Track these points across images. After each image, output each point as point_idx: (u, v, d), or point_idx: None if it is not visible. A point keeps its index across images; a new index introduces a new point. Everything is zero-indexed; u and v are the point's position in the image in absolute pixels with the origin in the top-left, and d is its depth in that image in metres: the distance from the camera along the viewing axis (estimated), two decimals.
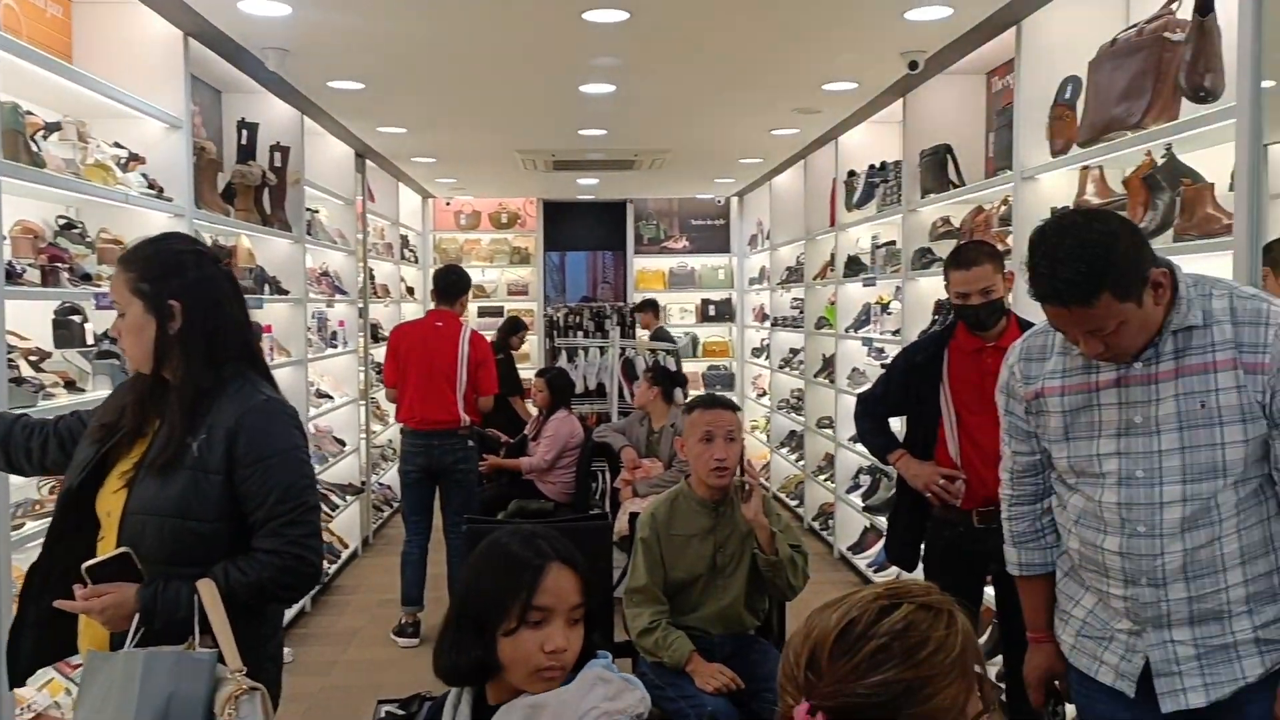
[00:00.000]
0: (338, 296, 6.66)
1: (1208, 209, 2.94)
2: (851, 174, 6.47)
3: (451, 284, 5.34)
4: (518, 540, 1.63)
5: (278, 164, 5.44)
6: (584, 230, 10.92)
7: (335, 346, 6.57)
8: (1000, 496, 2.17)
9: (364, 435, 7.07)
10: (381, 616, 5.40)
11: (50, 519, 1.98)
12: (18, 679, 1.95)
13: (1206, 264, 2.57)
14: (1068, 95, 3.74)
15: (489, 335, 6.68)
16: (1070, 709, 2.16)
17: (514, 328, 7.72)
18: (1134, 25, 3.32)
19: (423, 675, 1.65)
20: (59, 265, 3.15)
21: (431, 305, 5.45)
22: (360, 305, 7.21)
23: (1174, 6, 3.13)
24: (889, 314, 5.94)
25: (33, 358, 3.09)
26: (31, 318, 3.25)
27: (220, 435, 1.90)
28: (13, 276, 2.84)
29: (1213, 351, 1.80)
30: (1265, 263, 2.56)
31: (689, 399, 4.06)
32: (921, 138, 5.26)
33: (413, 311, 9.15)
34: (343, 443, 6.55)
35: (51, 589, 1.85)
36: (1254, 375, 1.78)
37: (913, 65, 4.69)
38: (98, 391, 3.17)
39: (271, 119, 5.51)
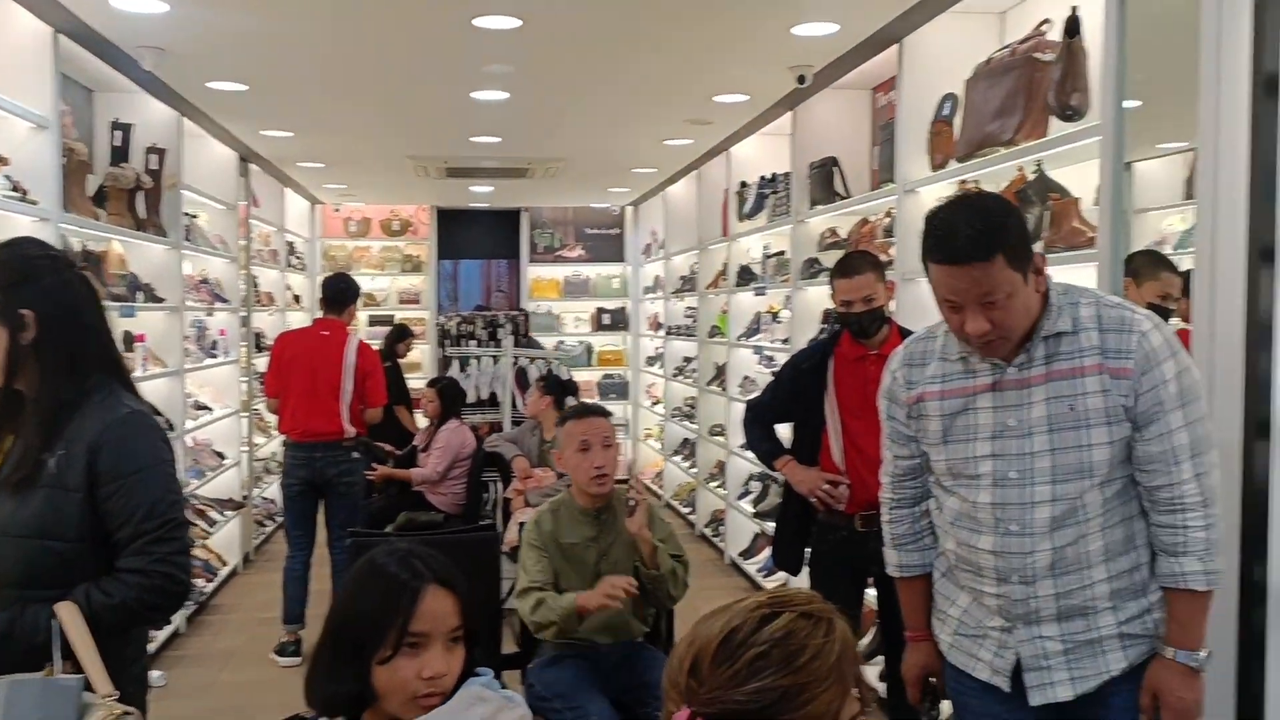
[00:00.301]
0: (218, 304, 6.44)
1: (1074, 222, 3.07)
2: (743, 185, 6.57)
3: (339, 292, 5.21)
4: (395, 560, 1.57)
5: (154, 166, 5.23)
6: (478, 238, 10.81)
7: (215, 356, 6.34)
8: (880, 500, 2.22)
9: (246, 448, 6.85)
10: (261, 636, 5.22)
11: None
12: None
13: (1073, 275, 2.67)
14: (946, 112, 3.87)
15: (377, 345, 6.56)
16: (946, 706, 2.22)
17: (400, 335, 7.59)
18: (1007, 46, 3.46)
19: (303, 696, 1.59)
20: None
21: (319, 314, 5.31)
22: (243, 314, 6.99)
23: (1044, 28, 3.27)
24: (779, 322, 6.05)
25: None
26: None
27: (81, 450, 1.81)
28: None
29: (1080, 357, 1.88)
30: (1126, 273, 2.69)
31: (562, 412, 4.05)
32: (810, 150, 5.37)
33: (299, 320, 8.91)
34: (223, 456, 6.32)
35: None
36: (1119, 380, 1.85)
37: (800, 79, 4.79)
38: None
39: (148, 120, 5.30)
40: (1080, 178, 3.18)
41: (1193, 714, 1.90)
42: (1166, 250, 2.96)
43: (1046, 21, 3.27)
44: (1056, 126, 3.16)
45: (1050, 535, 1.89)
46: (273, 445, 7.72)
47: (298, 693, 1.60)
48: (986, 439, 1.94)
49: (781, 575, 5.28)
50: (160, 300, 5.26)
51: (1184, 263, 2.73)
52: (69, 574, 1.79)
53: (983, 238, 1.79)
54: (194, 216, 6.14)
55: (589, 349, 10.51)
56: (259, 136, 6.51)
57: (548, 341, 9.60)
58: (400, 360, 7.42)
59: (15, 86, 3.84)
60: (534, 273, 10.66)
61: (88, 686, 1.63)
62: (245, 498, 6.70)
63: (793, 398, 3.40)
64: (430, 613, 1.52)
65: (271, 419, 7.00)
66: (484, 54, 4.59)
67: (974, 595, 2.03)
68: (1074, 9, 3.01)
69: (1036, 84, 3.24)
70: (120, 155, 5.07)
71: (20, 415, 1.84)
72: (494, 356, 6.64)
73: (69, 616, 1.69)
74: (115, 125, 5.08)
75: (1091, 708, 1.95)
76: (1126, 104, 2.67)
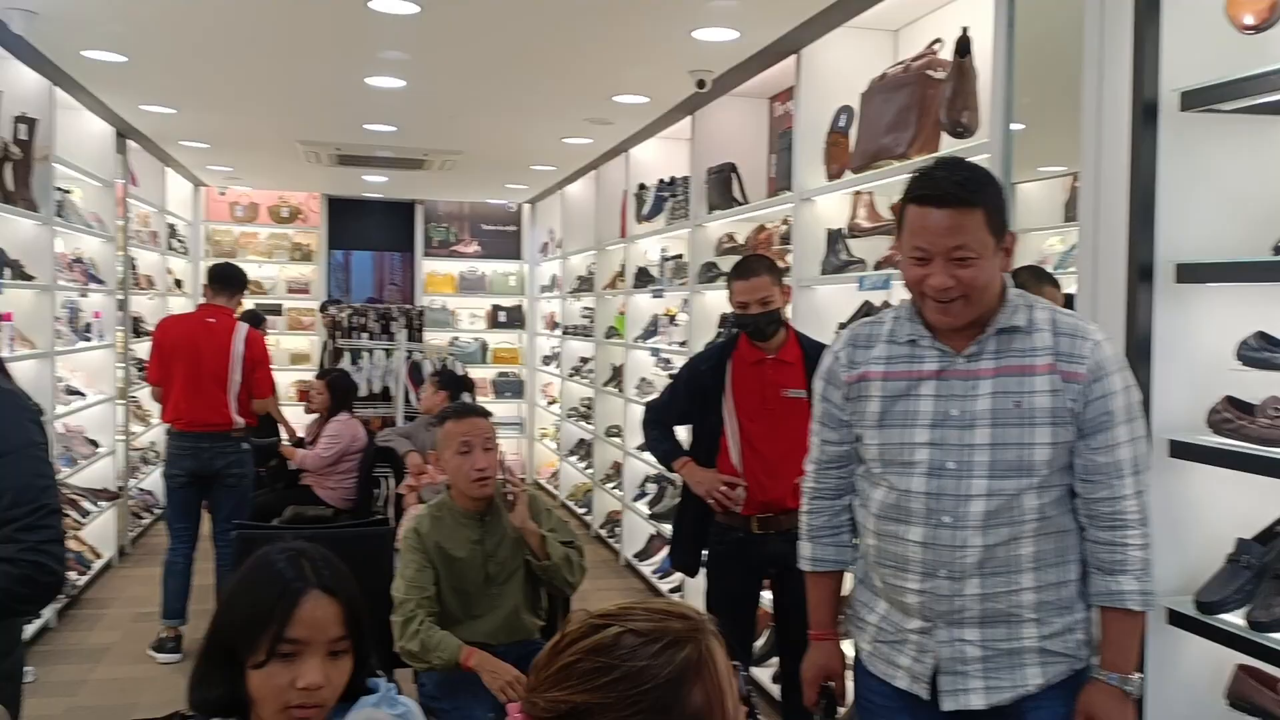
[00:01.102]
0: (93, 285, 6.14)
1: None
2: (642, 187, 6.60)
3: (227, 278, 5.04)
4: (284, 559, 1.52)
5: (23, 137, 4.95)
6: (371, 229, 10.57)
7: (89, 340, 6.05)
8: (801, 490, 2.18)
9: (122, 437, 6.55)
10: (137, 631, 5.01)
11: None
12: None
13: None
14: (842, 123, 3.96)
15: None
16: (842, 711, 2.21)
17: (254, 321, 7.29)
18: (901, 61, 3.56)
19: (183, 694, 1.53)
20: None
21: (203, 299, 5.12)
22: (120, 296, 6.68)
23: (936, 46, 3.38)
24: (676, 325, 6.10)
25: None
26: None
27: None
28: None
29: (1033, 355, 1.88)
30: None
31: (440, 410, 4.00)
32: (709, 155, 5.44)
33: (181, 306, 8.57)
34: (96, 444, 6.04)
35: None
36: (1070, 383, 1.86)
37: (700, 84, 4.84)
38: None
39: (17, 87, 5.02)
40: None
41: None
42: (1048, 269, 3.10)
43: (938, 41, 3.38)
44: (948, 142, 3.27)
45: (983, 531, 1.86)
46: (151, 434, 7.41)
47: (177, 690, 1.54)
48: (926, 426, 1.90)
49: (678, 576, 5.33)
50: (30, 278, 4.99)
51: (1065, 282, 2.86)
52: None
53: (969, 184, 1.82)
54: (67, 192, 5.84)
55: (484, 346, 10.40)
56: (138, 111, 6.23)
57: (442, 337, 9.47)
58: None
59: None
60: (428, 266, 10.49)
61: None
62: (121, 488, 6.42)
63: (690, 399, 3.44)
64: (309, 619, 1.46)
65: (152, 407, 6.72)
66: (380, 39, 4.49)
67: (893, 598, 1.99)
68: (965, 30, 3.13)
69: (929, 100, 3.34)
70: None
71: None
72: (386, 350, 6.51)
73: None
74: None
75: None
76: (1014, 126, 2.78)
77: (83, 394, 5.92)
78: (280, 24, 4.33)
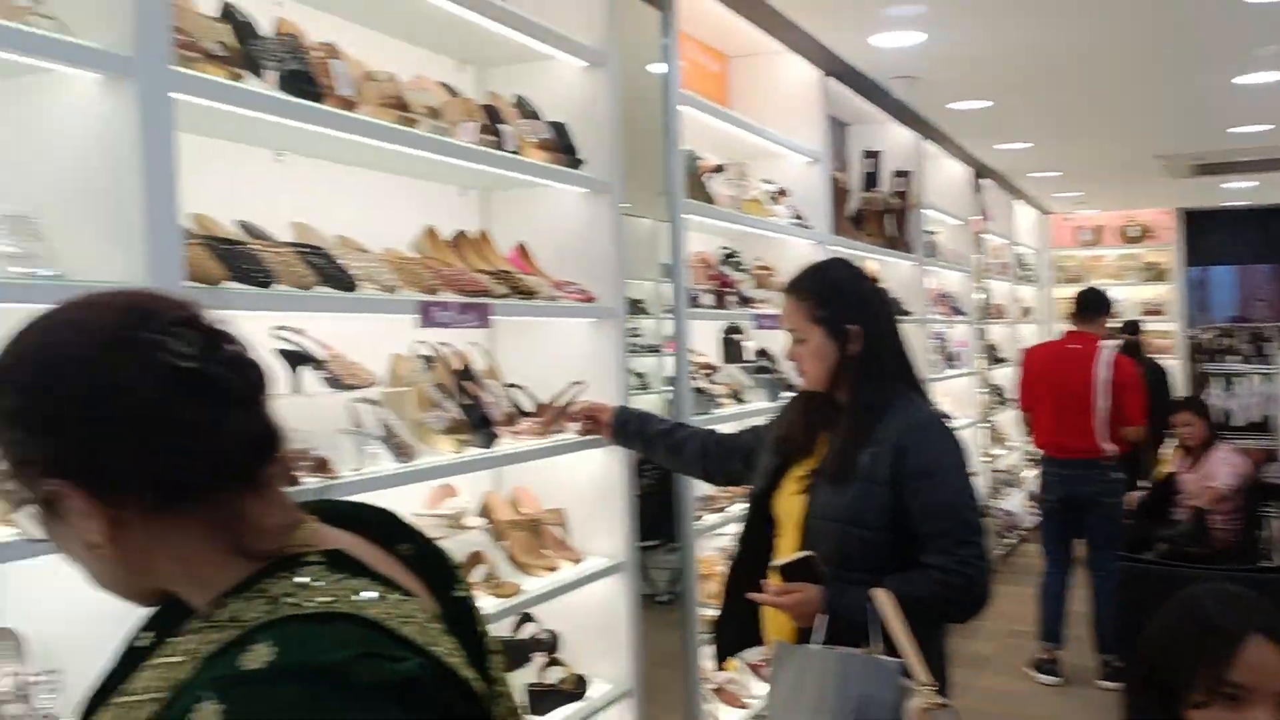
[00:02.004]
0: (956, 317, 6.60)
1: None
2: None
3: (1091, 303, 5.00)
4: (1214, 599, 1.44)
5: (900, 189, 5.56)
6: (1233, 241, 9.54)
7: (955, 367, 6.51)
8: None
9: (985, 459, 6.90)
10: (1013, 646, 5.17)
11: (744, 519, 2.18)
12: (721, 659, 2.17)
13: None
14: None
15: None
16: None
17: (1131, 331, 6.82)
18: None
19: (1065, 716, 1.50)
20: (726, 290, 3.52)
21: (1064, 326, 5.14)
22: (978, 326, 7.07)
23: None
24: None
25: (705, 371, 3.48)
26: (704, 336, 3.67)
27: (887, 449, 1.95)
28: (692, 301, 3.23)
29: None
30: None
31: None
32: None
33: (1030, 333, 8.76)
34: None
35: (747, 582, 2.03)
36: None
37: None
38: (757, 403, 3.48)
39: (892, 146, 5.65)
40: None
41: None
42: None
43: None
44: None
45: None
46: (1011, 457, 7.69)
47: (1056, 710, 1.51)
48: None
49: None
50: (907, 313, 5.56)
51: None
52: (869, 559, 1.93)
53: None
54: (933, 233, 6.39)
55: None
56: (992, 151, 6.55)
57: None
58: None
59: (791, 127, 4.36)
60: None
61: (904, 672, 1.72)
62: (985, 508, 6.76)
63: None
64: (1254, 664, 1.36)
65: (1011, 431, 6.97)
66: (1252, 34, 4.00)
67: None
68: None
69: None
70: (871, 181, 5.47)
71: (836, 419, 2.04)
72: (1265, 374, 5.76)
73: (886, 602, 1.80)
74: (866, 154, 5.50)
75: None
76: None
77: (951, 418, 6.37)
78: (1144, 40, 4.16)
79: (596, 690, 2.60)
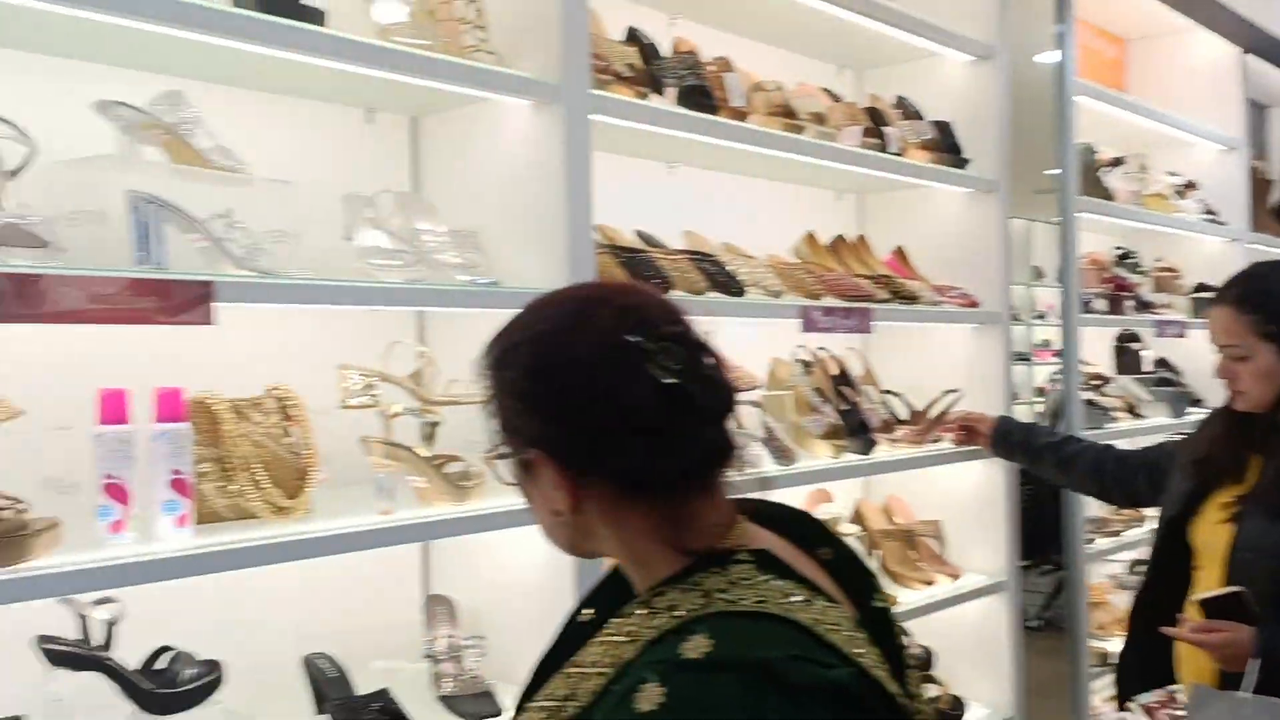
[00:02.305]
0: None
1: None
2: None
3: None
4: None
5: None
6: None
7: None
8: None
9: None
10: None
11: (1152, 547, 2.00)
12: (1123, 699, 2.00)
13: None
14: None
15: None
16: None
17: None
18: None
19: None
20: (1122, 294, 3.23)
21: None
22: None
23: None
24: None
25: (1095, 382, 3.21)
26: (1094, 344, 3.39)
27: None
28: (1084, 306, 3.00)
29: None
30: None
31: None
32: None
33: None
34: None
35: (1156, 615, 1.84)
36: None
37: None
38: (1156, 419, 3.17)
39: None
40: None
41: None
42: None
43: None
44: None
45: None
46: None
47: None
48: None
49: None
50: None
51: None
52: None
53: None
54: None
55: None
56: None
57: None
58: None
59: (1201, 111, 3.90)
60: None
61: None
62: None
63: None
64: None
65: None
66: None
67: None
68: None
69: None
70: None
71: (1272, 442, 1.80)
72: None
73: None
74: None
75: None
76: None
77: None
78: None
79: (975, 714, 2.49)
